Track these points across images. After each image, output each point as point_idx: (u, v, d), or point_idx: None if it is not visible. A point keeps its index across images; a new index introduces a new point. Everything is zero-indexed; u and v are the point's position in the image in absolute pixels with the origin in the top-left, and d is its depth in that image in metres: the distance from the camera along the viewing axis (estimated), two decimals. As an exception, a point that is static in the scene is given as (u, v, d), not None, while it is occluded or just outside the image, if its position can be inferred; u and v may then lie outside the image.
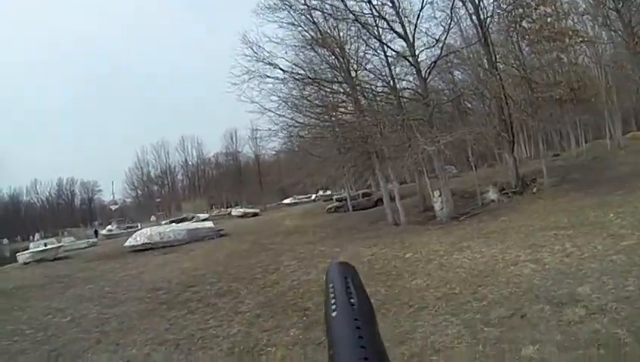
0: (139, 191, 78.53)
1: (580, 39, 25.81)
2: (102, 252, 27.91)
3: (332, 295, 0.71)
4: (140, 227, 33.95)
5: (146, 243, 24.98)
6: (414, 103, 22.87)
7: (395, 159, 22.03)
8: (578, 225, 12.07)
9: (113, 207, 74.69)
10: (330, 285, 0.74)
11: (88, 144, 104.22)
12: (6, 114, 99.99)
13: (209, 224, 30.15)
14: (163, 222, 40.65)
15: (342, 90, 22.91)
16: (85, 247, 35.11)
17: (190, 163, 78.21)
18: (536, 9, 22.73)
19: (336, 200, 35.37)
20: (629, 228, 10.68)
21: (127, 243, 25.89)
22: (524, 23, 22.86)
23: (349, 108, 23.66)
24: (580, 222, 12.50)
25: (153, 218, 54.64)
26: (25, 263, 26.36)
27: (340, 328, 0.65)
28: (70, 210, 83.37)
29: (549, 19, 23.60)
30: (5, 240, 67.75)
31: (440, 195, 20.91)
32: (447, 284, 9.46)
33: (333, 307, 0.68)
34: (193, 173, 78.32)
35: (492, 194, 21.85)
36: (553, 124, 29.42)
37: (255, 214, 46.16)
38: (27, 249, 30.55)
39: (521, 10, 22.43)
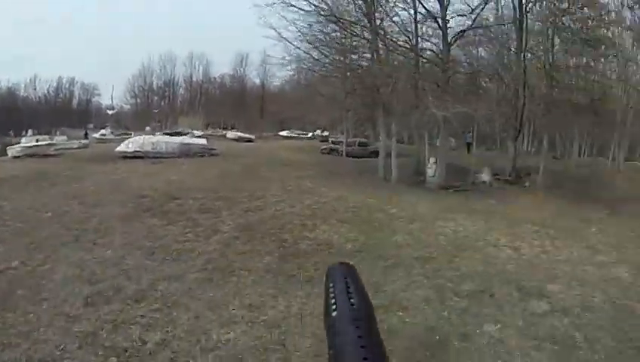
0: (138, 100, 76.14)
1: (615, 53, 25.58)
2: (92, 154, 27.26)
3: (332, 295, 0.72)
4: (132, 135, 33.23)
5: (137, 150, 24.35)
6: (432, 67, 22.50)
7: (401, 116, 21.91)
8: (560, 229, 12.38)
9: (110, 112, 73.64)
10: (331, 285, 0.74)
11: (95, 46, 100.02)
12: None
13: (202, 141, 29.36)
14: (157, 133, 39.52)
15: (363, 36, 22.38)
16: (77, 148, 33.79)
17: (195, 79, 76.13)
18: (581, 9, 22.40)
19: (332, 142, 35.08)
20: (607, 245, 11.04)
21: (118, 149, 25.05)
22: (564, 19, 22.44)
23: (366, 54, 23.34)
24: (564, 226, 12.81)
25: (148, 128, 53.07)
26: (15, 157, 25.68)
27: (340, 328, 0.66)
28: (67, 110, 79.62)
29: (590, 23, 23.32)
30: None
31: (435, 162, 21.06)
32: (425, 247, 9.81)
33: (334, 307, 0.69)
34: (196, 90, 76.01)
35: (485, 176, 21.96)
36: (562, 127, 29.14)
37: (249, 140, 45.05)
38: (19, 143, 29.80)
39: (565, 5, 21.97)
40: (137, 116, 70.59)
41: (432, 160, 21.37)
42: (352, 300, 0.70)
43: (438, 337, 6.01)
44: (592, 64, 25.86)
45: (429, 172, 21.30)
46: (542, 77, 23.26)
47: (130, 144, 25.06)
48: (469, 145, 33.08)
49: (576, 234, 12.02)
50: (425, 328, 6.23)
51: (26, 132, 40.83)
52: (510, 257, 9.43)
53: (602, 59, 26.04)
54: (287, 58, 23.13)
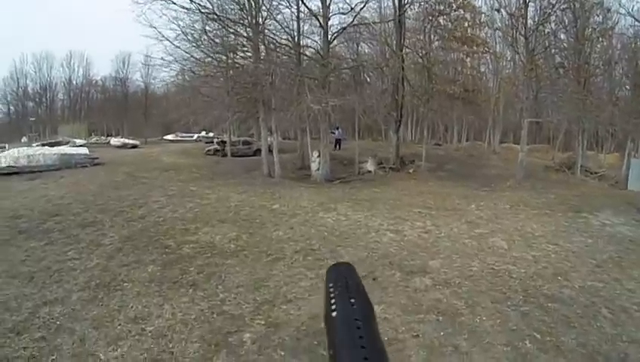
0: (11, 108, 69.34)
1: (487, 50, 28.64)
2: None
3: (332, 295, 0.71)
4: (7, 148, 30.49)
5: (12, 166, 22.31)
6: (313, 63, 22.72)
7: (280, 111, 21.71)
8: (442, 208, 12.87)
9: None
10: (330, 285, 0.74)
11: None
12: None
13: (84, 150, 27.45)
14: (34, 144, 36.89)
15: (245, 35, 22.02)
16: None
17: (75, 82, 69.85)
18: (455, 10, 23.81)
19: (217, 143, 34.44)
20: (485, 219, 11.66)
21: None
22: (440, 19, 23.92)
23: (247, 53, 23.00)
24: (445, 206, 13.32)
25: (25, 139, 49.46)
26: None
27: (340, 328, 0.65)
28: None
29: (465, 24, 25.26)
30: None
31: (319, 156, 21.20)
32: (307, 240, 9.62)
33: (333, 307, 0.68)
34: (76, 95, 70.37)
35: (370, 166, 22.53)
36: (441, 115, 31.52)
37: (134, 146, 43.44)
38: None
39: (441, 7, 23.25)
40: (11, 126, 64.16)
41: (315, 154, 21.53)
42: (351, 300, 0.69)
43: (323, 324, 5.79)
44: (467, 60, 28.81)
45: (314, 166, 21.49)
46: (420, 70, 24.74)
47: (3, 159, 22.71)
48: (337, 141, 31.77)
49: (456, 212, 12.53)
50: (309, 317, 6.02)
51: None
52: (393, 240, 9.49)
53: (475, 55, 28.96)
54: (167, 58, 22.11)
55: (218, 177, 19.75)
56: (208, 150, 33.65)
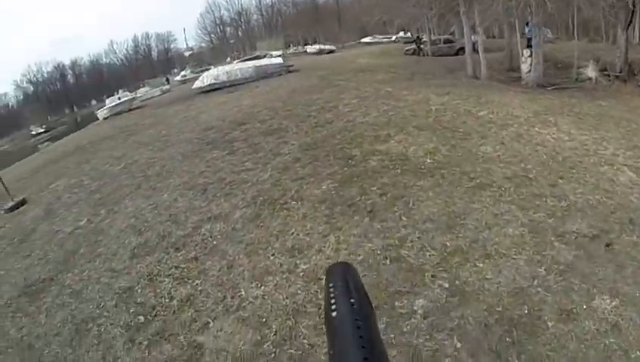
0: (212, 36, 76.50)
1: None
2: (172, 97, 27.77)
3: (332, 295, 0.65)
4: (213, 68, 32.90)
5: (213, 83, 24.07)
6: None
7: (484, 3, 18.75)
8: None
9: (187, 53, 75.92)
10: (330, 285, 0.67)
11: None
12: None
13: (278, 60, 28.22)
14: (235, 61, 39.48)
15: None
16: (160, 95, 35.72)
17: (265, 1, 74.48)
18: None
19: (416, 42, 32.16)
20: None
21: (194, 86, 25.08)
22: None
23: None
24: None
25: (229, 59, 53.31)
26: (105, 118, 27.42)
27: (340, 328, 0.60)
28: (149, 64, 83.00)
29: None
30: (94, 102, 74.19)
31: (530, 56, 18.06)
32: (521, 162, 7.68)
33: (333, 307, 0.63)
34: (268, 13, 74.38)
35: (590, 72, 18.65)
36: None
37: (331, 51, 44.08)
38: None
39: None
40: (215, 51, 73.13)
41: (526, 53, 18.37)
42: (352, 300, 0.64)
43: (527, 310, 4.16)
44: None
45: (524, 67, 18.47)
46: None
47: (205, 78, 25.04)
48: (529, 40, 22.23)
49: None
50: (510, 292, 4.40)
51: (118, 93, 42.42)
52: (634, 183, 6.89)
53: None
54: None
55: (417, 77, 18.02)
56: (407, 50, 32.07)
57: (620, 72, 18.66)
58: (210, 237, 6.25)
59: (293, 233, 5.93)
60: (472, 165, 7.56)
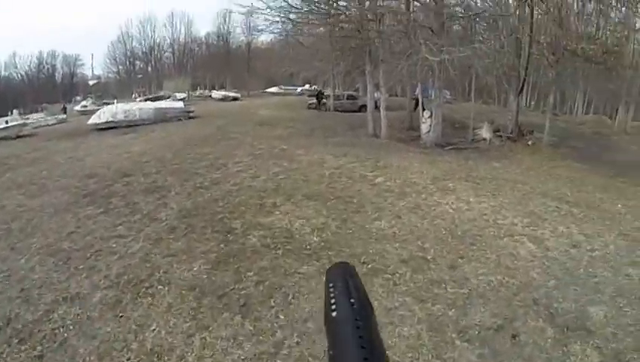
0: (120, 67, 72.68)
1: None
2: (66, 129, 25.78)
3: (332, 295, 0.65)
4: (116, 103, 31.30)
5: (110, 121, 22.48)
6: (424, 8, 19.07)
7: (389, 64, 19.04)
8: (583, 205, 9.50)
9: (92, 82, 72.40)
10: (330, 285, 0.67)
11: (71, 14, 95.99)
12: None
13: (179, 104, 27.58)
14: (137, 99, 38.82)
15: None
16: (54, 124, 32.95)
17: (179, 39, 71.88)
18: None
19: (317, 96, 32.42)
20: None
21: (90, 122, 23.16)
22: None
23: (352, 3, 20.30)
24: (586, 202, 9.89)
25: (134, 94, 51.97)
26: None
27: (340, 328, 0.61)
28: (52, 86, 76.30)
29: None
30: (-24, 118, 66.47)
31: (430, 116, 18.46)
32: (419, 239, 7.01)
33: (333, 307, 0.63)
34: (181, 52, 72.36)
35: (485, 133, 19.43)
36: (572, 80, 25.37)
37: (235, 99, 44.14)
38: None
39: None
40: (121, 83, 69.18)
41: (426, 113, 18.83)
42: (351, 300, 0.64)
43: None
44: (613, 14, 21.97)
45: (424, 127, 18.88)
46: (550, 25, 19.62)
47: (102, 114, 23.35)
48: (416, 101, 22.92)
49: (602, 213, 9.03)
50: None
51: (11, 112, 40.31)
52: (533, 256, 6.48)
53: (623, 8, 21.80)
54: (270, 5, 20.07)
55: (316, 134, 17.77)
56: (310, 103, 32.21)
57: (512, 133, 19.54)
58: (62, 327, 5.02)
59: (154, 329, 4.85)
60: (364, 245, 6.78)
